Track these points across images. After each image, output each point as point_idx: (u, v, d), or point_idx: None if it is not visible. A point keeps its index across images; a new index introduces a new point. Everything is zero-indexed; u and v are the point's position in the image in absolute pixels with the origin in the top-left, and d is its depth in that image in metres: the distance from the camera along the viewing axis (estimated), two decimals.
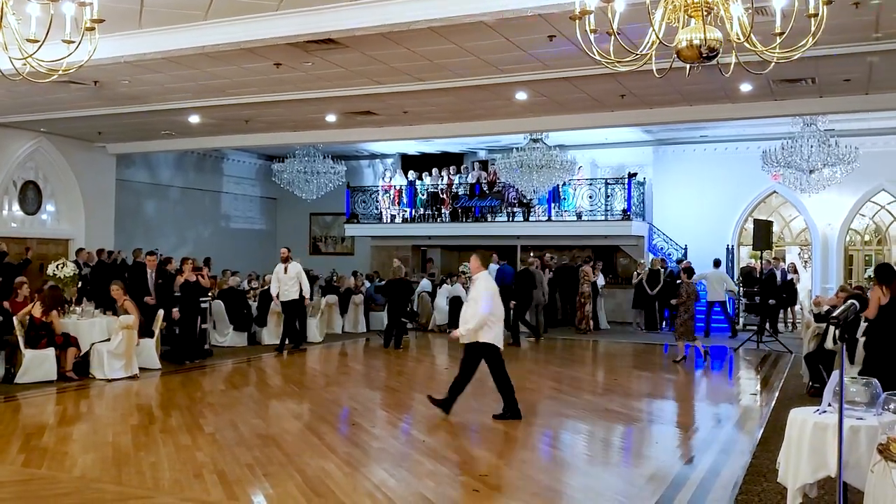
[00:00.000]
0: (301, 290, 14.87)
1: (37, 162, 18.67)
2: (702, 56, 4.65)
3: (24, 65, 5.27)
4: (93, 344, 11.54)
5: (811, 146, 16.87)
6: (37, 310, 11.22)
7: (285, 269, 14.90)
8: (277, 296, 14.88)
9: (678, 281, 14.82)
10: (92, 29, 5.13)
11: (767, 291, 18.29)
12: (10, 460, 6.93)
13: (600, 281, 19.98)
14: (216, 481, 6.29)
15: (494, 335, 8.83)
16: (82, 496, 5.93)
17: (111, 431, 8.16)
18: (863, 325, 8.76)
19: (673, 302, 14.42)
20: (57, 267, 12.99)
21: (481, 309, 8.65)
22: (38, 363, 10.91)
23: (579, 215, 21.27)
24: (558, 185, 20.62)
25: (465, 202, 22.64)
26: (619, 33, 4.78)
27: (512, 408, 8.89)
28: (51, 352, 11.00)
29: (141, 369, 11.75)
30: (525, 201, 21.43)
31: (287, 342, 14.93)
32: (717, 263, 18.61)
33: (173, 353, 13.09)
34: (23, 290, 12.04)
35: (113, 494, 5.97)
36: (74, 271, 13.30)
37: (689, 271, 14.64)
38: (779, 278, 18.88)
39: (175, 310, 12.76)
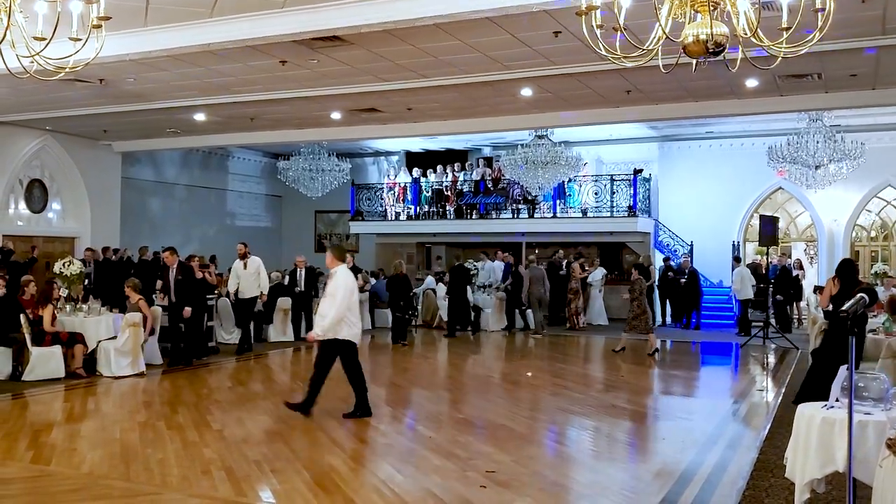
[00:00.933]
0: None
1: (42, 160, 18.72)
2: (708, 51, 4.64)
3: (32, 62, 5.28)
4: (99, 341, 11.57)
5: (817, 142, 16.83)
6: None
7: (245, 265, 14.26)
8: (236, 293, 14.21)
9: (643, 275, 15.01)
10: (99, 26, 5.15)
11: (781, 287, 18.31)
12: (19, 457, 6.95)
13: (596, 276, 19.99)
14: (224, 478, 6.30)
15: (353, 332, 8.57)
16: (91, 492, 5.95)
17: (119, 428, 8.18)
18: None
19: (625, 297, 14.72)
20: (63, 265, 13.02)
21: (338, 304, 8.33)
22: (45, 361, 10.95)
23: (584, 212, 21.23)
24: (563, 182, 20.62)
25: (469, 199, 22.62)
26: (625, 29, 4.78)
27: (363, 405, 8.70)
28: (57, 349, 11.04)
29: (147, 366, 11.80)
30: (530, 198, 21.41)
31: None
32: (738, 260, 18.67)
33: (181, 350, 13.08)
34: (29, 288, 12.07)
35: (121, 491, 5.99)
36: (81, 269, 13.32)
37: (642, 268, 15.01)
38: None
39: (188, 308, 12.42)
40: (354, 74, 12.27)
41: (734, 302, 19.95)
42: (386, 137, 20.12)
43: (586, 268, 19.90)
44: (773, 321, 18.40)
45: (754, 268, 20.05)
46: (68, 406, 9.52)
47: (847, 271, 9.00)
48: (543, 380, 11.89)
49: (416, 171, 23.56)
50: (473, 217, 22.60)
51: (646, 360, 13.73)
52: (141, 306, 11.84)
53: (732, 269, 19.22)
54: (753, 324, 17.88)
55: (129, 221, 20.99)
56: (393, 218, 23.77)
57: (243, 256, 14.31)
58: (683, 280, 19.56)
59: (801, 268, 20.13)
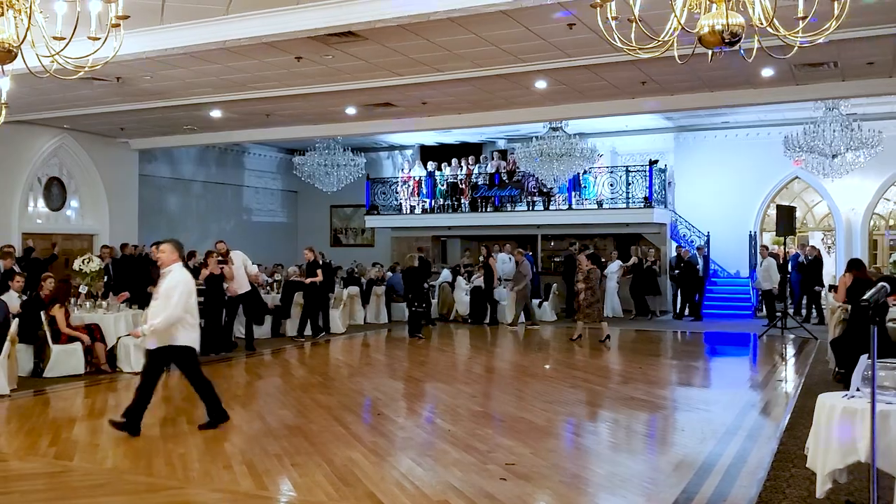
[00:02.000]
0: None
1: (61, 158, 18.86)
2: (724, 41, 4.63)
3: (52, 62, 5.33)
4: (119, 338, 11.67)
5: (834, 131, 16.74)
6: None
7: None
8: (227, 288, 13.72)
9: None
10: (117, 25, 5.18)
11: (811, 278, 18.23)
12: (42, 452, 7.03)
13: (611, 268, 19.99)
14: (245, 472, 6.36)
15: (192, 336, 7.81)
16: (114, 488, 6.02)
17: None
18: None
19: (578, 286, 15.06)
20: (83, 262, 13.11)
21: (172, 306, 7.51)
22: (66, 357, 11.05)
23: (600, 203, 21.17)
24: (579, 174, 20.58)
25: (484, 192, 22.60)
26: (640, 20, 4.77)
27: (216, 412, 8.00)
28: (78, 346, 11.15)
29: None
30: (545, 190, 21.39)
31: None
32: (766, 248, 18.74)
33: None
34: (47, 284, 12.15)
35: (144, 486, 6.06)
36: (100, 266, 13.42)
37: (594, 258, 15.39)
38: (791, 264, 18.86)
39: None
40: (369, 69, 12.29)
41: (752, 292, 19.91)
42: (401, 132, 20.13)
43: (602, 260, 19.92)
44: (803, 312, 18.45)
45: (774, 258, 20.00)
46: (89, 402, 9.62)
47: (858, 264, 10.50)
48: (562, 372, 11.91)
49: (430, 165, 23.56)
50: (488, 210, 22.59)
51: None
52: None
53: (756, 260, 19.17)
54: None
55: (146, 218, 21.13)
56: (408, 212, 23.80)
57: (226, 254, 13.89)
58: (678, 272, 19.58)
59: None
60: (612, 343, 14.82)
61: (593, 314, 14.77)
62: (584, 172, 20.78)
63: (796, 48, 4.98)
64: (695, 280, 19.51)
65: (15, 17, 5.07)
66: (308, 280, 15.67)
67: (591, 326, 15.10)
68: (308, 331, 15.56)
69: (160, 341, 7.71)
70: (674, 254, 20.39)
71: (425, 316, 16.95)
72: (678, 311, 19.72)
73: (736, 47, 4.76)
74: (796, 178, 21.13)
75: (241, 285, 13.89)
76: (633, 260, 20.04)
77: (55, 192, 18.90)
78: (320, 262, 16.26)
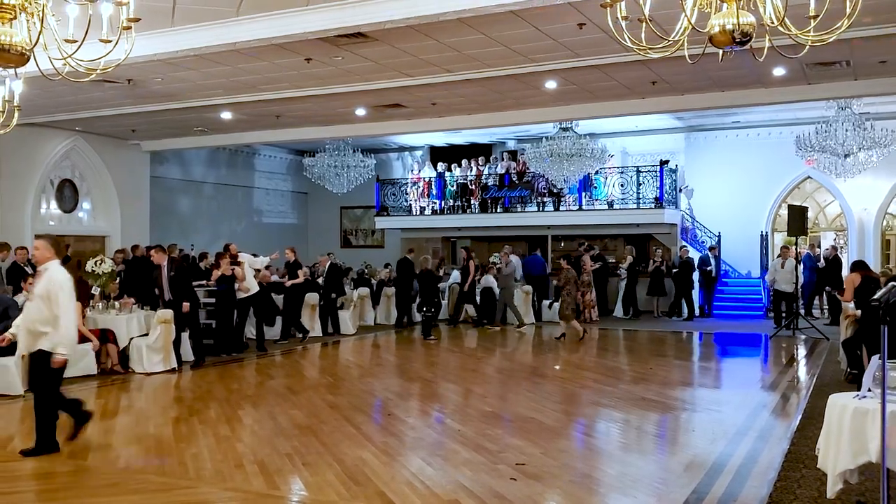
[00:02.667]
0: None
1: (73, 160, 18.96)
2: (735, 41, 4.62)
3: (64, 65, 5.37)
4: (131, 339, 11.73)
5: (846, 130, 16.67)
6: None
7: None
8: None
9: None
10: (129, 28, 5.22)
11: (830, 279, 18.11)
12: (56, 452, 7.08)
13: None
14: (257, 471, 6.39)
15: (54, 342, 6.90)
16: (127, 487, 6.06)
17: (152, 424, 8.31)
18: None
19: (557, 285, 15.82)
20: (95, 263, 13.19)
21: (68, 308, 6.86)
22: (78, 358, 11.11)
23: (611, 204, 21.12)
24: (589, 174, 20.56)
25: (494, 193, 22.57)
26: (650, 20, 4.77)
27: (46, 439, 7.00)
28: (90, 347, 11.21)
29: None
30: (555, 191, 21.36)
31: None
32: (787, 249, 18.66)
33: (208, 347, 13.24)
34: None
35: (157, 485, 6.09)
36: (112, 268, 13.49)
37: (570, 259, 15.94)
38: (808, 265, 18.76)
39: (186, 304, 12.13)
40: (379, 70, 12.32)
41: (764, 293, 19.83)
42: (410, 133, 20.12)
43: (614, 259, 19.97)
44: (814, 312, 18.38)
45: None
46: (102, 402, 9.67)
47: (863, 265, 11.00)
48: (571, 372, 11.90)
49: (440, 166, 23.57)
50: (498, 211, 22.58)
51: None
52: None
53: (766, 261, 19.08)
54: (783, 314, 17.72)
55: (158, 220, 21.21)
56: (418, 213, 23.80)
57: (236, 256, 14.06)
58: (675, 271, 19.59)
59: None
60: (626, 343, 14.80)
61: (570, 315, 15.38)
62: (596, 173, 20.77)
63: (808, 47, 4.97)
64: (688, 280, 19.67)
65: (27, 21, 5.12)
66: (289, 282, 15.69)
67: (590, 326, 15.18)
68: (298, 333, 15.56)
69: (28, 347, 7.07)
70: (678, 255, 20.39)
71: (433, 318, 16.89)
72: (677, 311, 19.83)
73: (747, 47, 4.75)
74: (808, 177, 21.04)
75: (250, 286, 13.96)
76: (656, 262, 19.99)
77: (67, 193, 19.00)
78: (301, 264, 16.41)
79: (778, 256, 17.88)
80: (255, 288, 14.06)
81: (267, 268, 15.75)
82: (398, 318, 18.51)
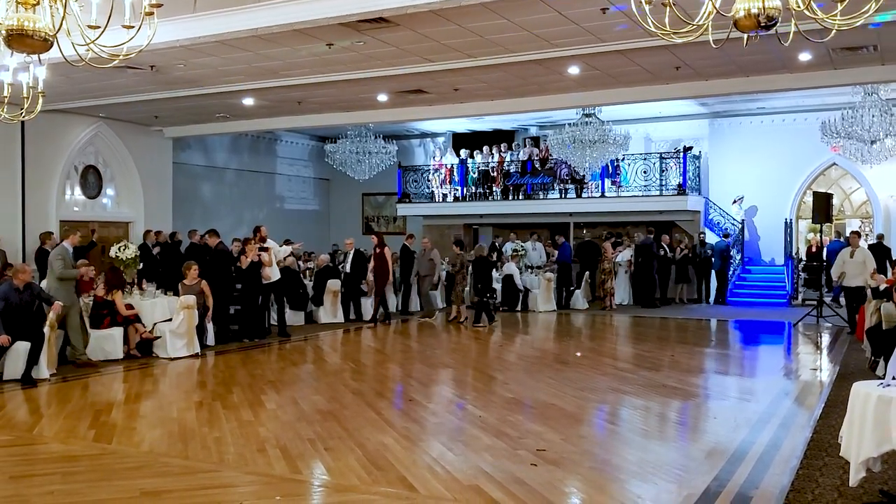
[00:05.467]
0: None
1: (96, 147, 19.10)
2: (760, 25, 4.56)
3: (87, 51, 5.39)
4: (155, 324, 11.85)
5: (872, 116, 16.47)
6: (99, 289, 11.62)
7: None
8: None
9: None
10: (151, 14, 5.23)
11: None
12: (82, 435, 7.18)
13: (625, 256, 19.83)
14: (279, 456, 6.44)
15: None
16: (151, 470, 6.12)
17: (176, 408, 8.39)
18: None
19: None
20: (119, 249, 13.30)
21: None
22: (103, 342, 11.26)
23: (633, 191, 20.99)
24: (616, 161, 20.45)
25: (516, 180, 22.53)
26: (674, 4, 4.72)
27: None
28: (117, 331, 11.35)
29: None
30: (578, 178, 21.26)
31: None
32: (839, 235, 18.65)
33: (233, 332, 13.36)
34: (87, 272, 12.36)
35: (180, 468, 6.16)
36: (136, 253, 13.60)
37: (460, 243, 16.61)
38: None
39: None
40: (401, 56, 12.28)
41: (788, 281, 19.69)
42: (432, 119, 20.06)
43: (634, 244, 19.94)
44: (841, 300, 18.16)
45: (809, 246, 19.77)
46: (127, 387, 9.78)
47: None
48: (592, 359, 11.88)
49: (462, 152, 23.53)
50: (520, 198, 22.51)
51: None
52: (204, 287, 12.15)
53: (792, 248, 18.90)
54: (806, 302, 17.57)
55: (180, 206, 21.35)
56: (440, 200, 23.80)
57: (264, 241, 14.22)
58: (707, 255, 19.55)
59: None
60: (648, 331, 14.72)
61: (458, 298, 16.22)
62: (621, 159, 20.64)
63: (834, 31, 4.89)
64: (685, 268, 19.84)
65: (51, 6, 5.14)
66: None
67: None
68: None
69: None
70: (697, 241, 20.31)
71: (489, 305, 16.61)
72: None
73: (772, 31, 4.69)
74: (833, 164, 20.82)
75: (274, 272, 14.05)
76: (683, 250, 19.95)
77: (91, 180, 19.15)
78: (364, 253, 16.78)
79: (844, 246, 15.50)
80: (276, 276, 14.12)
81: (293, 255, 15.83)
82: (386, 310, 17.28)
